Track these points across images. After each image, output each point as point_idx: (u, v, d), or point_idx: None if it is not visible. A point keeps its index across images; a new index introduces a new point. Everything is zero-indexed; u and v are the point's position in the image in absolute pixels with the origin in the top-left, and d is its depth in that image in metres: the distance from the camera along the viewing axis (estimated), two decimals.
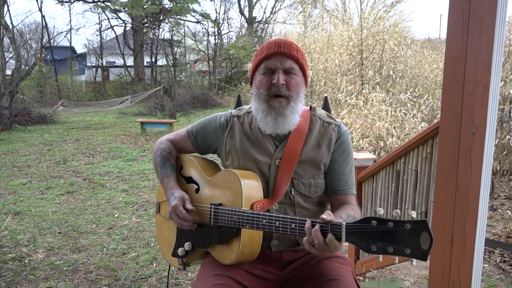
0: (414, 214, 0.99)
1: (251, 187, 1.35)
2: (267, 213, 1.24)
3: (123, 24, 23.35)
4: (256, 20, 26.57)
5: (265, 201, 1.36)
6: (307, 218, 1.15)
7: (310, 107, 1.48)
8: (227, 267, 1.36)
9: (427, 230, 0.93)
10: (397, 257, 1.00)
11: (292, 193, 1.40)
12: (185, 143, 1.58)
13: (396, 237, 0.97)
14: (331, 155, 1.42)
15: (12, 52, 16.88)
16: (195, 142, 1.56)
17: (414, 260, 0.96)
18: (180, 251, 1.46)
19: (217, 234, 1.36)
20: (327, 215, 1.11)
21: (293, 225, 1.18)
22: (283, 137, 1.41)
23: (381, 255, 1.01)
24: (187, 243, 1.45)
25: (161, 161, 1.56)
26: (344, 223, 1.06)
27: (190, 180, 1.54)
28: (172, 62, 21.79)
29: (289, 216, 1.20)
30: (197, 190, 1.49)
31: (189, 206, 1.39)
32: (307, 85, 1.46)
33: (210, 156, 1.67)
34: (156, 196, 1.71)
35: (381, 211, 1.03)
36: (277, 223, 1.20)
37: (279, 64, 1.34)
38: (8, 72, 15.66)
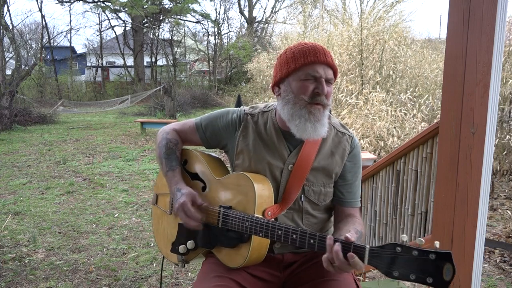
0: (438, 245, 1.01)
1: (264, 194, 1.33)
2: (283, 224, 1.23)
3: (123, 24, 23.39)
4: (256, 20, 26.58)
5: (276, 207, 1.34)
6: (328, 235, 1.14)
7: None
8: (229, 269, 1.35)
9: (451, 262, 0.95)
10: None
11: (302, 200, 1.39)
12: (193, 135, 1.52)
13: (420, 266, 0.99)
14: (343, 166, 1.42)
15: (12, 52, 16.88)
16: (204, 136, 1.50)
17: None
18: (181, 248, 1.43)
19: (225, 237, 1.34)
20: (350, 235, 1.11)
21: (312, 241, 1.17)
22: (298, 142, 1.39)
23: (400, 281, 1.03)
24: (190, 241, 1.42)
25: (167, 153, 1.50)
26: (368, 246, 1.06)
27: (195, 176, 1.50)
28: (172, 62, 21.79)
29: (308, 230, 1.18)
30: (203, 189, 1.46)
31: (200, 202, 1.38)
32: None
33: (212, 152, 1.64)
34: (153, 187, 1.67)
35: (404, 238, 1.05)
36: (294, 236, 1.19)
37: (323, 73, 1.31)
38: (8, 72, 15.65)
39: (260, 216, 1.28)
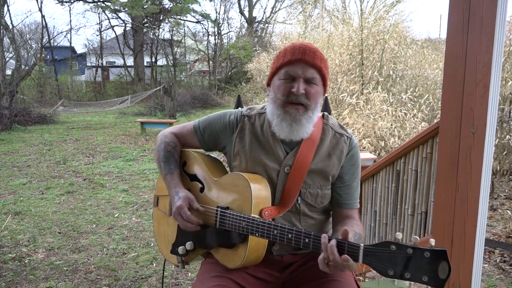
0: (433, 242, 0.98)
1: (261, 193, 1.32)
2: (279, 224, 1.22)
3: (123, 24, 23.38)
4: (256, 20, 26.58)
5: (274, 208, 1.34)
6: (322, 234, 1.13)
7: (323, 115, 1.45)
8: (228, 269, 1.35)
9: (446, 260, 0.94)
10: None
11: (299, 202, 1.38)
12: (191, 138, 1.53)
13: (414, 264, 0.97)
14: (340, 167, 1.40)
15: (12, 52, 16.86)
16: (202, 139, 1.51)
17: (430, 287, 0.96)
18: (180, 249, 1.44)
19: (223, 237, 1.34)
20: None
21: (307, 240, 1.16)
22: (294, 144, 1.38)
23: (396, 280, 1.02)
24: (188, 242, 1.43)
25: (165, 156, 1.51)
26: (362, 245, 1.05)
27: (194, 177, 1.50)
28: (172, 62, 21.79)
29: (303, 230, 1.18)
30: (202, 189, 1.47)
31: (197, 206, 1.38)
32: (325, 94, 1.41)
33: (214, 154, 1.65)
34: (155, 189, 1.68)
35: (399, 236, 1.02)
36: (289, 236, 1.19)
37: (301, 72, 1.29)
38: (8, 72, 15.64)
39: (257, 216, 1.28)
